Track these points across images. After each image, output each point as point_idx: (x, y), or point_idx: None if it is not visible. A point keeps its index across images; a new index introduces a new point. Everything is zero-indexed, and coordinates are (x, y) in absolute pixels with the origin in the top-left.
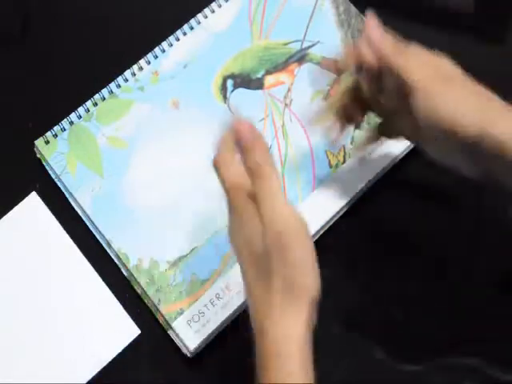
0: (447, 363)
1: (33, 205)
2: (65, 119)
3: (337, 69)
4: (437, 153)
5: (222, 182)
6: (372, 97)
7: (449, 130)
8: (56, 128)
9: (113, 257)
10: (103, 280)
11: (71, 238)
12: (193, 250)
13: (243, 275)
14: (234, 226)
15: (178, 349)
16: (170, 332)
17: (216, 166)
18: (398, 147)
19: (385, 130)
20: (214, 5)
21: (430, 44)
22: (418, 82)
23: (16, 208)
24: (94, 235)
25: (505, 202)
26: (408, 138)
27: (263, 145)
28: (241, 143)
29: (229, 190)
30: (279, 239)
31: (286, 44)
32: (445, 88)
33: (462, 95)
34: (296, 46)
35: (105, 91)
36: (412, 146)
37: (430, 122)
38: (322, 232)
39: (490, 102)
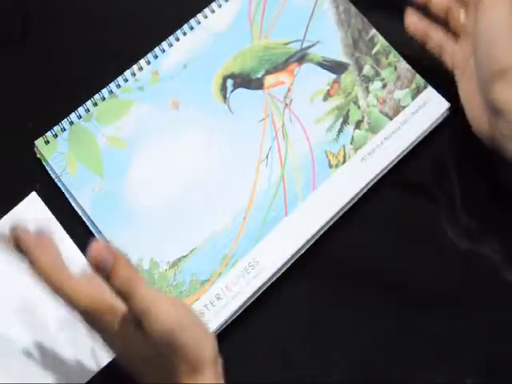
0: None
1: (33, 205)
2: (65, 119)
3: None
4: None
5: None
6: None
7: None
8: (56, 128)
9: None
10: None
11: (71, 238)
12: (193, 250)
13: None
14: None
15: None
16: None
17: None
18: (397, 148)
19: None
20: (213, 5)
21: None
22: None
23: (16, 208)
24: (94, 235)
25: None
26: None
27: (122, 259)
28: (102, 272)
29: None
30: (170, 340)
31: (285, 44)
32: None
33: None
34: (296, 46)
35: (105, 91)
36: (412, 147)
37: None
38: (321, 232)
39: None
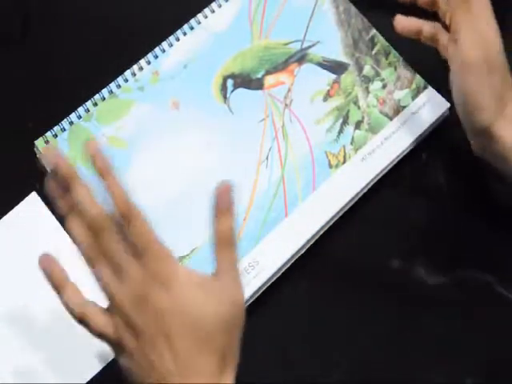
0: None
1: (33, 205)
2: (65, 119)
3: None
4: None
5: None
6: None
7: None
8: (56, 128)
9: None
10: None
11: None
12: (193, 250)
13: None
14: (165, 302)
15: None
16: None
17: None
18: (397, 148)
19: None
20: (214, 5)
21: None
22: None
23: (16, 208)
24: None
25: None
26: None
27: (234, 215)
28: (219, 207)
29: (162, 257)
30: (238, 310)
31: (286, 44)
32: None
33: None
34: (296, 46)
35: (105, 91)
36: (411, 147)
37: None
38: (321, 233)
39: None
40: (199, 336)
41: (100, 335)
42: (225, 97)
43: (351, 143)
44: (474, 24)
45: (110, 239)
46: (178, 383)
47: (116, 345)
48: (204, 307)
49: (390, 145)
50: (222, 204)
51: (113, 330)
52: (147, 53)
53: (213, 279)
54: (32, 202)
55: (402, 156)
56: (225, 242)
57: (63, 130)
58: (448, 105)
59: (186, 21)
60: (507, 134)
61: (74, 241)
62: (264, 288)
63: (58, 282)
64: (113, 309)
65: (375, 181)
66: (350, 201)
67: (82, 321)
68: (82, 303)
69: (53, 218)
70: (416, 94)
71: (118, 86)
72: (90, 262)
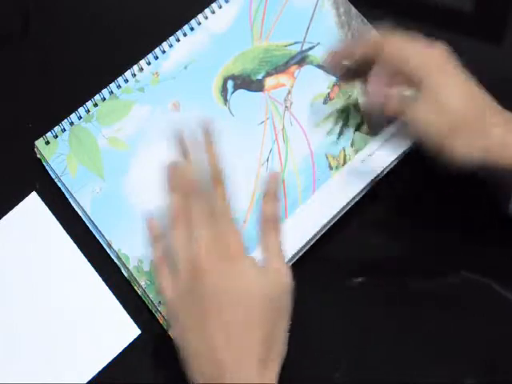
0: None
1: (33, 205)
2: (65, 120)
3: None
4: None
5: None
6: None
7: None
8: (56, 129)
9: (113, 257)
10: (103, 280)
11: (71, 238)
12: None
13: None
14: (227, 272)
15: (178, 349)
16: (170, 332)
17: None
18: (397, 150)
19: None
20: (214, 5)
21: None
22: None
23: (16, 208)
24: (94, 235)
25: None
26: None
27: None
28: (269, 188)
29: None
30: (285, 292)
31: (286, 46)
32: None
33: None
34: (296, 48)
35: (105, 92)
36: (411, 149)
37: None
38: (321, 233)
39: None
40: (246, 312)
41: (162, 295)
42: (225, 98)
43: (351, 145)
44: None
45: (197, 203)
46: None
47: (171, 312)
48: (260, 289)
49: (390, 147)
50: (272, 188)
51: (173, 295)
52: (147, 53)
53: (267, 265)
54: (32, 202)
55: (401, 158)
56: (271, 224)
57: (63, 130)
58: None
59: (187, 21)
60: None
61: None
62: None
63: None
64: (178, 273)
65: (375, 182)
66: (350, 202)
67: (156, 271)
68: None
69: (53, 218)
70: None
71: (119, 87)
72: (173, 223)
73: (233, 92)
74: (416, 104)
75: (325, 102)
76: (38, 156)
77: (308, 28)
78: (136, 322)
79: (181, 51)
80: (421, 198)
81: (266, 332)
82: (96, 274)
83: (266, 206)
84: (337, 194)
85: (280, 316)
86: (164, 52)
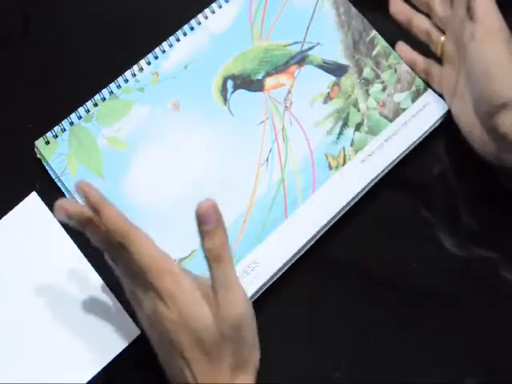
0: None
1: (33, 205)
2: (65, 120)
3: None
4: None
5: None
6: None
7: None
8: (56, 128)
9: None
10: (103, 280)
11: (71, 238)
12: (193, 252)
13: (174, 355)
14: (170, 317)
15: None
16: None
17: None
18: (397, 150)
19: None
20: (214, 5)
21: None
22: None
23: (16, 208)
24: None
25: None
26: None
27: (224, 228)
28: (203, 227)
29: (162, 273)
30: (237, 325)
31: (286, 45)
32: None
33: None
34: (296, 48)
35: (105, 92)
36: (411, 148)
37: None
38: (320, 234)
39: None
40: (204, 348)
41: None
42: (225, 98)
43: (351, 145)
44: None
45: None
46: None
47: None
48: (206, 320)
49: (390, 147)
50: (206, 224)
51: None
52: (147, 53)
53: (213, 295)
54: (32, 202)
55: (401, 158)
56: (216, 260)
57: (63, 130)
58: (447, 107)
59: (187, 21)
60: None
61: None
62: (264, 289)
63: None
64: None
65: (375, 182)
66: (350, 202)
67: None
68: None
69: (53, 217)
70: (416, 96)
71: (119, 87)
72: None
73: (233, 92)
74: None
75: (325, 102)
76: (38, 156)
77: (308, 28)
78: (136, 322)
79: (181, 51)
80: (421, 197)
81: (226, 361)
82: (96, 274)
83: (206, 243)
84: (337, 193)
85: (237, 340)
86: (164, 52)
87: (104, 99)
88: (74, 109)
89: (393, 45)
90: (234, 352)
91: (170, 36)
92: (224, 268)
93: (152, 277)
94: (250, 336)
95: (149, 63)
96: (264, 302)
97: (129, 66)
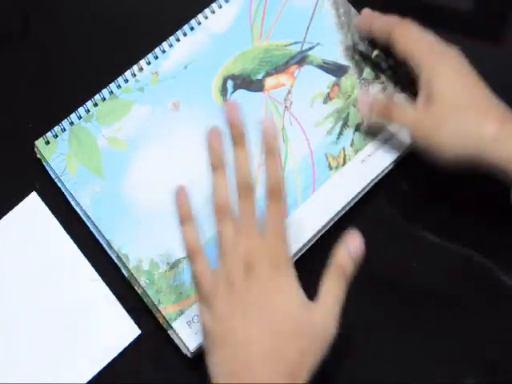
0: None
1: (33, 205)
2: (65, 120)
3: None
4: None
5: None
6: None
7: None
8: (56, 128)
9: (113, 257)
10: (103, 280)
11: (71, 237)
12: None
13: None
14: None
15: (178, 349)
16: (170, 332)
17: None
18: (397, 150)
19: None
20: (214, 5)
21: None
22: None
23: (16, 208)
24: (94, 235)
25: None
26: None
27: None
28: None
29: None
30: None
31: (286, 45)
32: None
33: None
34: (296, 48)
35: (105, 92)
36: (411, 149)
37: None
38: (320, 234)
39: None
40: (275, 332)
41: (196, 280)
42: (225, 98)
43: (351, 145)
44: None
45: (249, 202)
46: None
47: (205, 297)
48: (292, 315)
49: (390, 147)
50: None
51: (209, 281)
52: (147, 53)
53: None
54: (32, 202)
55: (401, 158)
56: (340, 276)
57: (63, 130)
58: None
59: (187, 21)
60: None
61: (216, 193)
62: None
63: (184, 214)
64: (221, 261)
65: (375, 182)
66: (350, 202)
67: (190, 257)
68: (197, 242)
69: (53, 217)
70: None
71: (119, 87)
72: (221, 215)
73: (233, 92)
74: (407, 107)
75: (325, 102)
76: (38, 156)
77: (308, 28)
78: (136, 322)
79: (181, 51)
80: (421, 197)
81: (288, 362)
82: (96, 274)
83: (342, 254)
84: (337, 194)
85: (306, 352)
86: (164, 52)
87: (104, 99)
88: (74, 109)
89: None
90: (296, 361)
91: (170, 36)
92: (340, 285)
93: (275, 237)
94: (316, 361)
95: (149, 63)
96: None
97: (129, 66)
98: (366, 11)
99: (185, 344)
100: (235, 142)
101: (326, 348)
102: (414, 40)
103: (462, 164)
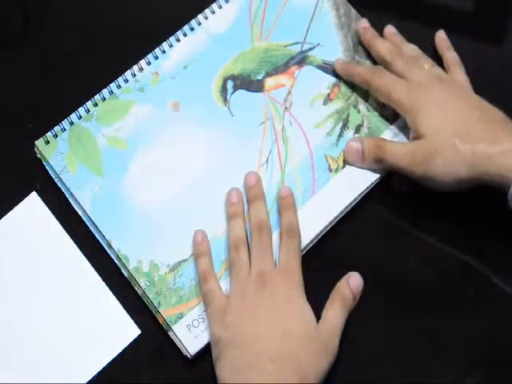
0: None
1: (33, 205)
2: (65, 119)
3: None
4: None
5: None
6: None
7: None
8: (56, 128)
9: (113, 257)
10: (103, 280)
11: (71, 237)
12: (192, 254)
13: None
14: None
15: (178, 349)
16: (170, 333)
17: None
18: None
19: None
20: (214, 6)
21: (429, 44)
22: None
23: (16, 208)
24: (94, 235)
25: None
26: None
27: None
28: None
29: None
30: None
31: (286, 46)
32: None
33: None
34: (296, 48)
35: (105, 91)
36: None
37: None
38: (321, 236)
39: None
40: (286, 333)
41: (208, 299)
42: (225, 98)
43: None
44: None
45: (264, 238)
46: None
47: (216, 313)
48: (303, 322)
49: None
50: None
51: (222, 298)
52: (147, 53)
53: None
54: (32, 202)
55: None
56: (341, 302)
57: (63, 130)
58: None
59: (187, 22)
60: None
61: (232, 230)
62: None
63: (201, 250)
64: (234, 282)
65: (375, 184)
66: (350, 204)
67: (201, 279)
68: (210, 268)
69: (53, 218)
70: None
71: (119, 87)
72: (236, 245)
73: (233, 92)
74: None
75: (325, 103)
76: (38, 156)
77: (308, 28)
78: (136, 322)
79: (181, 51)
80: (421, 197)
81: (306, 358)
82: (96, 274)
83: (344, 286)
84: (337, 196)
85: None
86: (164, 52)
87: (104, 99)
88: (74, 109)
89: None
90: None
91: (170, 36)
92: (342, 309)
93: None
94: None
95: (149, 63)
96: None
97: (129, 66)
98: (339, 62)
99: (185, 347)
100: (252, 199)
101: (331, 363)
102: (390, 88)
103: (463, 185)
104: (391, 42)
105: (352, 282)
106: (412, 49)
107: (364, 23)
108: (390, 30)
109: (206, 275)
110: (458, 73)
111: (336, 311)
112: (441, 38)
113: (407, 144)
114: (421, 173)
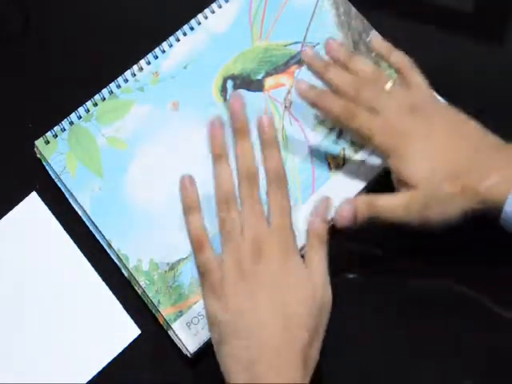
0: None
1: (33, 205)
2: (65, 119)
3: None
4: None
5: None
6: None
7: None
8: (56, 128)
9: (113, 257)
10: (103, 280)
11: (71, 238)
12: (192, 253)
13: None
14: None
15: (178, 349)
16: (170, 333)
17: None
18: None
19: None
20: (214, 5)
21: (430, 44)
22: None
23: (16, 208)
24: (94, 235)
25: None
26: None
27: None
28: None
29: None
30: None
31: (286, 45)
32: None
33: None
34: (296, 48)
35: (105, 91)
36: None
37: None
38: None
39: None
40: (288, 316)
41: (202, 270)
42: (225, 98)
43: (351, 145)
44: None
45: (253, 190)
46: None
47: (213, 287)
48: (303, 298)
49: None
50: (322, 208)
51: (217, 270)
52: (147, 53)
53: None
54: (32, 202)
55: None
56: (319, 240)
57: (63, 130)
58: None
59: (187, 21)
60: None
61: (219, 180)
62: None
63: (190, 203)
64: (227, 249)
65: (374, 182)
66: None
67: (195, 247)
68: (202, 231)
69: (53, 217)
70: None
71: (118, 87)
72: (225, 202)
73: (233, 92)
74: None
75: None
76: (38, 156)
77: (308, 28)
78: (136, 321)
79: (181, 51)
80: None
81: (301, 347)
82: (96, 274)
83: (314, 222)
84: (337, 195)
85: (320, 323)
86: (164, 52)
87: (104, 99)
88: (73, 109)
89: (393, 45)
90: (308, 342)
91: (170, 36)
92: (322, 249)
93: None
94: (321, 336)
95: (149, 63)
96: None
97: (129, 65)
98: (304, 84)
99: (184, 345)
100: (238, 135)
101: (329, 311)
102: (366, 131)
103: (458, 220)
104: (346, 72)
105: (320, 212)
106: (366, 68)
107: (310, 50)
108: (332, 45)
109: (200, 241)
110: (413, 76)
111: (315, 254)
112: (376, 42)
113: (398, 196)
114: (416, 224)
